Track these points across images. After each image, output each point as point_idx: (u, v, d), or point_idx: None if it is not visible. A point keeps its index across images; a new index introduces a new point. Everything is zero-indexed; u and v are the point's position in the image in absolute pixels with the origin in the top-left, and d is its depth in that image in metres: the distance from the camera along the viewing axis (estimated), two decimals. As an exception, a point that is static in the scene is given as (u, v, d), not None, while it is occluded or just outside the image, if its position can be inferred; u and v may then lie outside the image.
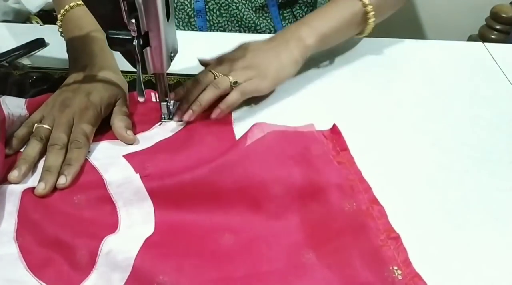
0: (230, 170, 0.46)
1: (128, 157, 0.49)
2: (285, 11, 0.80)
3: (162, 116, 0.55)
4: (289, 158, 0.48)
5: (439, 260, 0.41)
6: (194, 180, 0.45)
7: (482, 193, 0.47)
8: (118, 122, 0.52)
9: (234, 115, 0.56)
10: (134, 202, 0.45)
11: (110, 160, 0.49)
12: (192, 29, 0.80)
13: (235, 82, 0.53)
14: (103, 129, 0.53)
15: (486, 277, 0.40)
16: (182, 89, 0.56)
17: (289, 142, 0.50)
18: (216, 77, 0.54)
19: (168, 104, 0.53)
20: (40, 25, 0.92)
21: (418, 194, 0.47)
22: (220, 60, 0.58)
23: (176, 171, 0.46)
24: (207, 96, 0.53)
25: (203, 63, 0.61)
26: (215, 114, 0.53)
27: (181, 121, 0.54)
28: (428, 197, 0.47)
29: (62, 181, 0.46)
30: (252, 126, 0.52)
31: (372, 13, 0.61)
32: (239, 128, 0.54)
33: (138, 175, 0.46)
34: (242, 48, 0.59)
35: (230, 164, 0.46)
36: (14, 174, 0.46)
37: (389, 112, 0.58)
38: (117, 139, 0.52)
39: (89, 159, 0.49)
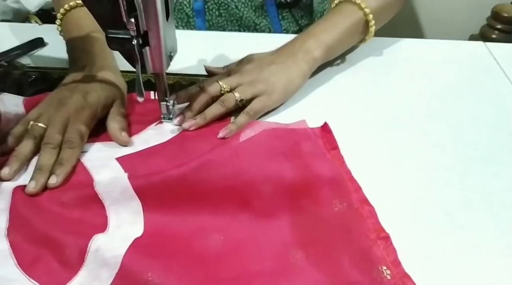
0: (219, 169, 0.45)
1: (121, 160, 0.49)
2: (284, 11, 0.79)
3: (162, 115, 0.55)
4: (279, 154, 0.48)
5: (430, 261, 0.41)
6: (182, 179, 0.44)
7: (483, 193, 0.47)
8: (114, 123, 0.52)
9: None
10: (122, 201, 0.44)
11: (103, 162, 0.49)
12: (191, 29, 0.79)
13: (241, 100, 0.54)
14: (99, 130, 0.53)
15: (483, 279, 0.40)
16: (184, 92, 0.56)
17: (279, 138, 0.50)
18: (223, 89, 0.54)
19: (168, 103, 0.53)
20: (39, 25, 0.92)
21: (418, 194, 0.47)
22: (228, 72, 0.58)
23: (165, 170, 0.46)
24: (213, 112, 0.53)
25: (209, 71, 0.61)
26: (223, 133, 0.52)
27: (181, 125, 0.54)
28: (428, 197, 0.46)
29: (53, 181, 0.45)
30: None
31: (373, 21, 0.61)
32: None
33: (126, 174, 0.46)
34: (250, 61, 0.58)
35: (219, 163, 0.46)
36: (5, 171, 0.46)
37: (389, 111, 0.58)
38: (112, 140, 0.52)
39: (81, 160, 0.49)
